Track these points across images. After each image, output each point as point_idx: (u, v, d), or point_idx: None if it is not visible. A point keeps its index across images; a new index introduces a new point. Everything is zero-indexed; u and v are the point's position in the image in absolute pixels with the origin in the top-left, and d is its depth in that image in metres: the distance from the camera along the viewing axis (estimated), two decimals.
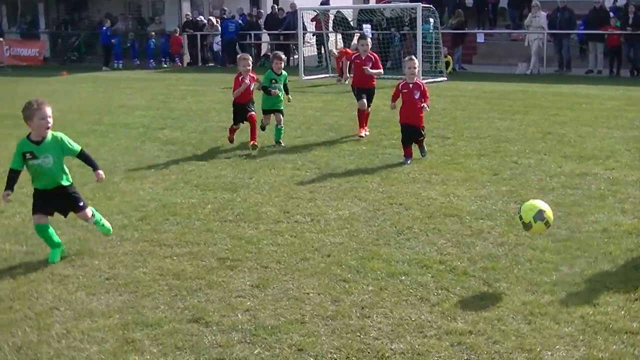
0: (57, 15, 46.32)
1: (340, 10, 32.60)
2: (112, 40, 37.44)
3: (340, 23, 32.23)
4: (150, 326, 6.33)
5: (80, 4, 45.56)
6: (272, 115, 14.53)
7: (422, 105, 12.31)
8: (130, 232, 8.98)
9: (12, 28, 46.99)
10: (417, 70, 12.81)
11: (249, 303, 6.75)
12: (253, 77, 14.12)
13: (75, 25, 45.39)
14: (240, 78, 14.01)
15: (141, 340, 6.07)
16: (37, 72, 35.13)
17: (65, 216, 8.47)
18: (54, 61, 41.63)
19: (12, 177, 8.14)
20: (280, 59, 14.70)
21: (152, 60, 37.54)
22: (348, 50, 26.76)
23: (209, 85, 26.06)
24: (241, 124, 14.33)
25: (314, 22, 33.96)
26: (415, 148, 12.64)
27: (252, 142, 13.84)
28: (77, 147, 8.20)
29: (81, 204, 8.25)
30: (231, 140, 14.34)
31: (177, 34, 37.63)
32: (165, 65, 37.25)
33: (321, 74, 29.32)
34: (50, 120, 7.91)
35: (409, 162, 12.23)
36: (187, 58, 38.28)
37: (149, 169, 12.38)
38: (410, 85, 12.43)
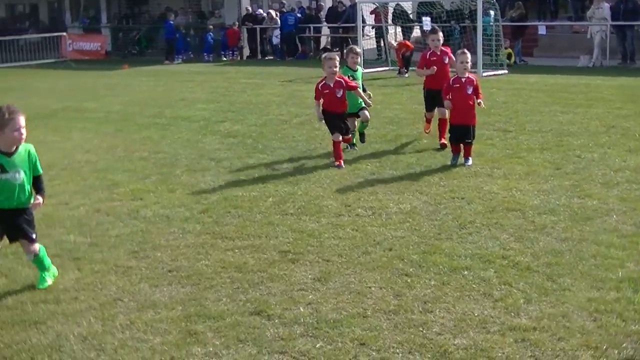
0: (119, 10, 46.87)
1: (400, 3, 32.43)
2: (177, 34, 37.70)
3: (400, 16, 32.09)
4: (212, 318, 6.38)
5: None
6: (355, 118, 12.82)
7: (478, 102, 11.62)
8: (192, 224, 9.05)
9: (75, 23, 47.67)
10: (469, 64, 11.83)
11: (311, 296, 6.76)
12: (341, 82, 12.01)
13: (136, 19, 45.88)
14: (321, 85, 12.01)
15: (204, 332, 6.12)
16: (99, 66, 35.57)
17: (11, 242, 7.37)
18: (116, 55, 42.08)
19: None
20: (357, 53, 13.23)
21: (206, 54, 37.71)
22: (407, 42, 26.64)
23: (269, 79, 26.14)
24: (342, 135, 12.08)
25: (373, 15, 33.84)
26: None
27: (338, 162, 11.81)
28: (40, 170, 7.22)
29: (33, 236, 7.25)
30: (339, 157, 11.92)
31: (235, 27, 37.79)
32: (225, 59, 37.44)
33: (381, 66, 29.20)
34: (24, 131, 6.92)
35: (455, 161, 11.61)
36: (246, 51, 38.42)
37: (210, 162, 12.45)
38: (463, 80, 11.62)
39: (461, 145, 11.70)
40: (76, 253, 8.21)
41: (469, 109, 11.66)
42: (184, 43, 38.59)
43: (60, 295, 7.06)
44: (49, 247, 8.35)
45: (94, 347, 5.99)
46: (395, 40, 30.16)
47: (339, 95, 11.96)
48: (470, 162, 11.57)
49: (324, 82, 12.02)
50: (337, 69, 12.06)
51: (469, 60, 11.81)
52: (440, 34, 13.72)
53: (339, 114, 12.06)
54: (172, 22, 37.68)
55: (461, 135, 11.63)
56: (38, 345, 6.06)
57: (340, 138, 11.95)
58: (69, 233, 8.93)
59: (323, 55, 12.68)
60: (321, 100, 12.08)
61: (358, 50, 13.55)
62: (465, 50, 12.03)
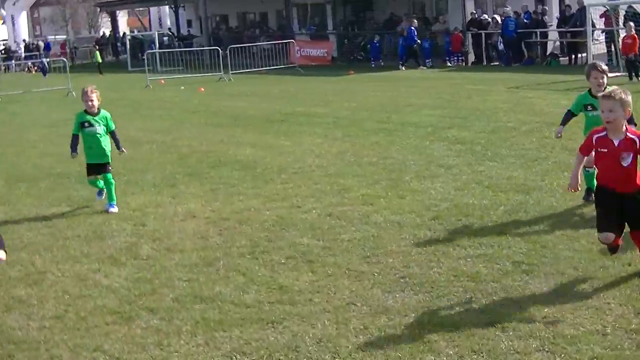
0: (344, 16, 47.71)
1: (632, 4, 31.14)
2: (418, 41, 37.69)
3: (632, 19, 30.80)
4: (445, 327, 6.35)
5: (366, 5, 46.74)
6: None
7: None
8: (424, 231, 9.07)
9: (302, 30, 49.09)
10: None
11: (546, 310, 6.59)
12: (634, 142, 6.86)
13: (361, 25, 46.57)
14: (597, 137, 7.05)
15: (437, 341, 6.11)
16: (325, 72, 36.42)
17: None
18: (341, 61, 42.92)
19: None
20: (603, 71, 9.28)
21: (427, 60, 37.66)
22: (636, 37, 25.50)
23: (494, 85, 25.73)
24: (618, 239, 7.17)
25: (603, 19, 32.74)
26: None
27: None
28: None
29: None
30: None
31: (458, 32, 37.61)
32: (449, 64, 37.34)
33: (612, 72, 28.10)
34: None
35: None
36: (471, 57, 38.13)
37: (439, 169, 12.41)
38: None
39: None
40: (310, 256, 8.43)
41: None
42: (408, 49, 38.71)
43: (295, 296, 7.27)
44: (283, 248, 8.67)
45: (328, 349, 6.12)
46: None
47: (625, 164, 6.89)
48: None
49: (604, 132, 7.00)
50: (617, 115, 6.87)
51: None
52: None
53: (621, 196, 6.97)
54: (413, 29, 37.72)
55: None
56: (275, 344, 6.28)
57: (612, 240, 7.03)
58: (302, 236, 9.18)
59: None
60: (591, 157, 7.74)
61: (604, 66, 9.40)
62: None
